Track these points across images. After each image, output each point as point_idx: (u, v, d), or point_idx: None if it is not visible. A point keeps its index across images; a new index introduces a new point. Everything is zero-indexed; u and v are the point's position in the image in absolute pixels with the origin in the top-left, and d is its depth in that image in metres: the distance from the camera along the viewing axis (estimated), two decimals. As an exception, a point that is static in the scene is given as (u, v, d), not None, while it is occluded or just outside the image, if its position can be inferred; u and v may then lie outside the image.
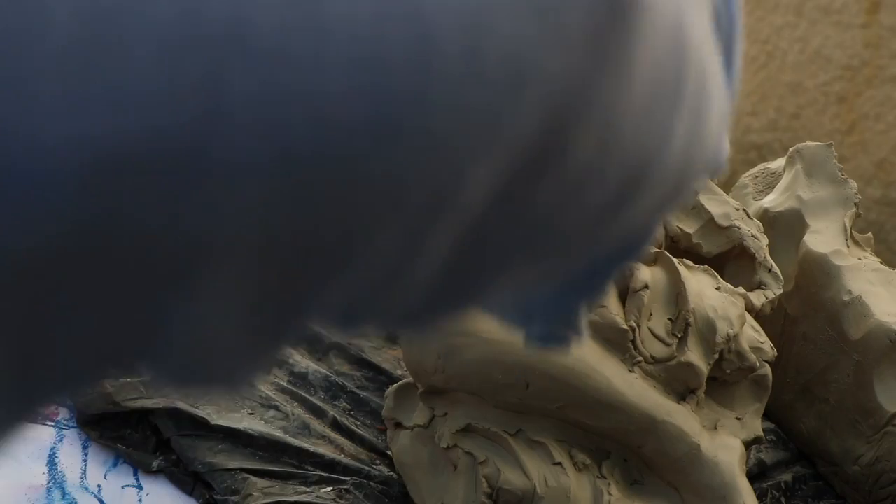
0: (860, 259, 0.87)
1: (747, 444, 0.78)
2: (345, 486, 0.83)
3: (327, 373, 0.95)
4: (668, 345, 0.76)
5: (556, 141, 0.25)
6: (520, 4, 0.22)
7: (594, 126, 0.25)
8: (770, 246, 0.85)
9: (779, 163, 0.98)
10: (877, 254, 0.92)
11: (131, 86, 0.20)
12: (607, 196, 0.28)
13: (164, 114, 0.20)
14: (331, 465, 0.85)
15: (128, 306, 0.22)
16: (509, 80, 0.23)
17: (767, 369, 0.80)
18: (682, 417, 0.75)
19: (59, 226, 0.20)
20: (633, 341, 0.75)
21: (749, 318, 0.80)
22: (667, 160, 0.28)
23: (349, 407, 0.92)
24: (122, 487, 0.86)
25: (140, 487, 0.86)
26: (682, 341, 0.76)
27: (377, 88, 0.21)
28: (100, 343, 0.23)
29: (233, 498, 0.81)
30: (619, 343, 0.75)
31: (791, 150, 0.94)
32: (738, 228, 0.85)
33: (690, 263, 0.80)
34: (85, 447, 0.89)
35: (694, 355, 0.76)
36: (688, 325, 0.76)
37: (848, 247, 0.87)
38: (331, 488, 0.82)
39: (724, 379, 0.79)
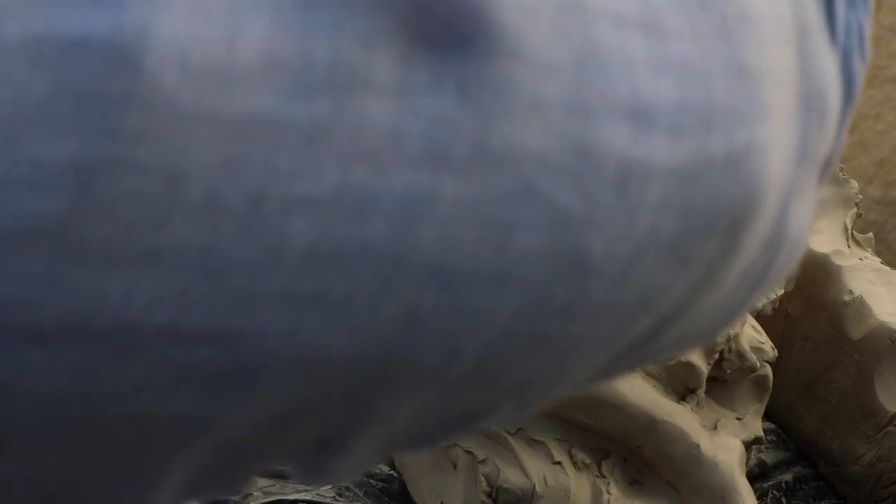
0: (861, 259, 0.87)
1: (747, 445, 0.78)
2: (345, 484, 0.83)
3: (327, 371, 0.95)
4: (668, 344, 0.76)
5: (650, 337, 0.31)
6: (665, 255, 0.28)
7: (684, 322, 0.31)
8: (771, 246, 0.85)
9: (779, 162, 0.97)
10: (877, 254, 0.91)
11: (346, 309, 0.25)
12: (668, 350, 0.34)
13: (370, 327, 0.25)
14: (330, 464, 0.85)
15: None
16: (638, 307, 0.29)
17: (768, 369, 0.80)
18: (682, 417, 0.75)
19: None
20: (634, 341, 0.75)
21: (749, 318, 0.80)
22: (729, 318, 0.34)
23: (349, 405, 0.92)
24: (122, 485, 0.86)
25: (139, 485, 0.86)
26: (683, 341, 0.76)
27: (537, 309, 0.27)
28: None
29: (233, 497, 0.81)
30: (619, 342, 0.75)
31: (792, 149, 0.94)
32: (739, 228, 0.84)
33: (691, 263, 0.80)
34: (84, 445, 0.89)
35: (694, 355, 0.76)
36: (688, 324, 0.76)
37: (849, 247, 0.87)
38: (331, 486, 0.82)
39: (724, 379, 0.78)
